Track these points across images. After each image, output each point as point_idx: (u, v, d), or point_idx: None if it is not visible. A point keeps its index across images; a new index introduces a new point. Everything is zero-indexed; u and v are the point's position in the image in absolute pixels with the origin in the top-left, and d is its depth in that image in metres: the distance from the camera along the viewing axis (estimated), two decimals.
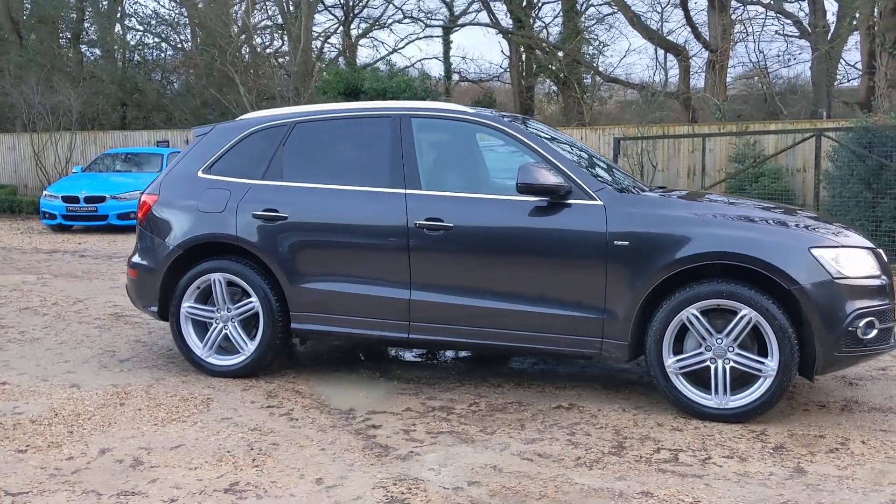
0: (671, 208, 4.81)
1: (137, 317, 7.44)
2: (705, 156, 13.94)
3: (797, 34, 26.93)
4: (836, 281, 4.45)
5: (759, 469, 3.93)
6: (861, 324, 4.46)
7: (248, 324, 5.46)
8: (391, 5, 31.67)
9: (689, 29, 20.53)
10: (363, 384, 5.36)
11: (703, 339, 4.60)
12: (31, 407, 4.85)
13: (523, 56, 33.03)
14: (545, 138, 5.18)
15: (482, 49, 57.29)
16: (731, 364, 4.57)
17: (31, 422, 4.58)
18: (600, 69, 24.70)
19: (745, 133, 14.57)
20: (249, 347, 5.38)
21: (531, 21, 30.86)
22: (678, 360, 4.64)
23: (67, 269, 10.35)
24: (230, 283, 5.42)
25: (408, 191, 5.09)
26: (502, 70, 35.91)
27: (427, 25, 29.60)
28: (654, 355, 4.66)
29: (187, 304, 5.48)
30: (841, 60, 23.33)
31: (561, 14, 28.98)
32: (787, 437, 4.38)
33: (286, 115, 5.59)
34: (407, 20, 46.10)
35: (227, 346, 5.51)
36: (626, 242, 4.67)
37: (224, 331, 5.45)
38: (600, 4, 28.34)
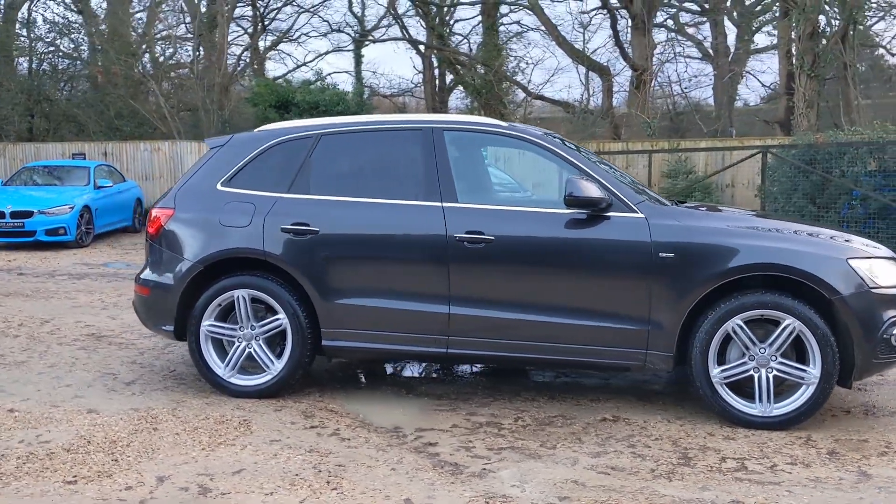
0: (712, 220, 4.92)
1: (119, 337, 7.08)
2: (651, 170, 14.35)
3: (699, 56, 28.20)
4: (871, 290, 4.64)
5: (827, 474, 4.04)
6: (894, 331, 4.66)
7: (272, 342, 5.28)
8: (313, 16, 31.36)
9: (618, 49, 21.14)
10: (394, 401, 5.25)
11: (747, 348, 4.71)
12: (57, 435, 4.54)
13: (436, 71, 33.33)
14: (581, 153, 5.22)
15: (392, 64, 57.33)
16: (774, 373, 4.70)
17: (65, 450, 4.29)
18: (528, 87, 25.08)
19: (692, 150, 15.10)
20: (276, 366, 5.19)
21: (447, 36, 31.10)
22: (723, 371, 4.74)
23: (14, 289, 9.75)
24: (254, 300, 5.22)
25: (445, 204, 5.04)
26: (413, 85, 36.09)
27: (355, 39, 29.34)
28: (699, 366, 4.74)
29: (207, 323, 5.25)
30: (756, 81, 24.46)
31: (481, 33, 29.36)
32: (834, 442, 4.52)
33: (309, 128, 5.45)
34: (315, 34, 45.52)
35: (246, 366, 5.30)
36: (672, 254, 4.74)
37: (247, 349, 5.24)
38: (510, 23, 28.89)
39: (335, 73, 48.95)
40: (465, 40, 32.07)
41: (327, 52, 45.85)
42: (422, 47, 32.46)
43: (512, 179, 8.60)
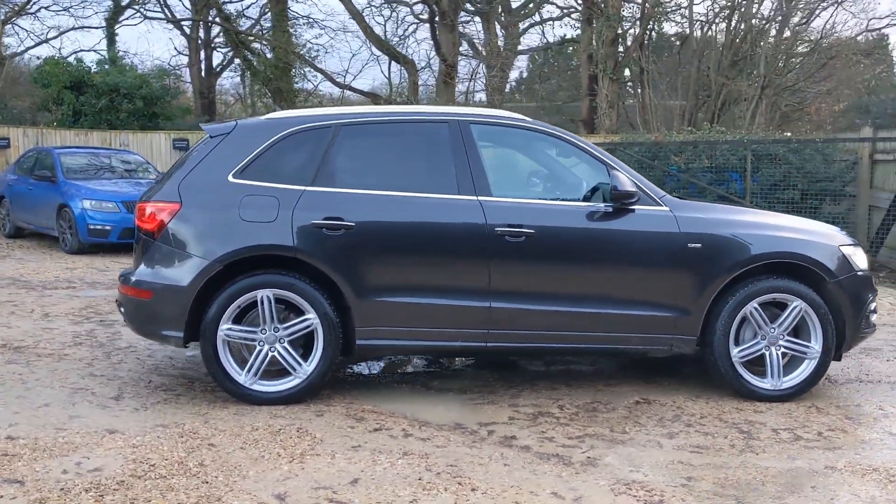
0: (730, 213, 5.32)
1: (38, 348, 6.24)
2: None
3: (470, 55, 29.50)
4: (857, 273, 5.28)
5: (868, 436, 4.58)
6: (872, 308, 5.36)
7: (294, 344, 4.96)
8: None
9: (432, 43, 21.58)
10: (423, 398, 5.15)
11: (760, 328, 5.17)
12: (101, 461, 3.98)
13: (202, 54, 31.99)
14: (601, 149, 5.42)
15: (145, 44, 53.35)
16: (782, 350, 5.20)
17: (135, 477, 3.78)
18: (335, 75, 24.83)
19: None
20: (305, 369, 4.89)
21: (234, 17, 29.91)
22: (740, 351, 5.16)
23: None
24: (277, 300, 4.88)
25: (481, 198, 5.01)
26: (172, 68, 34.12)
27: (154, 14, 27.08)
28: (722, 348, 5.12)
29: (226, 327, 4.82)
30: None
31: (270, 20, 28.59)
32: (837, 409, 5.10)
33: (325, 117, 5.16)
34: (57, 8, 41.67)
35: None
36: (699, 245, 5.08)
37: (270, 353, 4.89)
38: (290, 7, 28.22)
39: (81, 51, 44.94)
40: (252, 22, 30.90)
41: (72, 29, 42.05)
42: (187, 28, 30.95)
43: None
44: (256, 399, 4.87)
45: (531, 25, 31.92)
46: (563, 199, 5.33)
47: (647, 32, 18.64)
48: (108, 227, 12.08)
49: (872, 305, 5.38)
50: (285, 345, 4.90)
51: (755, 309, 5.12)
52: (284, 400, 4.89)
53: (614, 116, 18.88)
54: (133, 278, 4.96)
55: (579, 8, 26.57)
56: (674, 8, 19.52)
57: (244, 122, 5.22)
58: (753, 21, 20.07)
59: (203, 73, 32.07)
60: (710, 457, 4.21)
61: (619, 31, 18.57)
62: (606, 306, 5.06)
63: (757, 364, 5.22)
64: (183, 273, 4.82)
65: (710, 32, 20.21)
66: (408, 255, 4.97)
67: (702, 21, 20.47)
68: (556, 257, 5.04)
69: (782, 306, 5.20)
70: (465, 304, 4.96)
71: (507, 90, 31.58)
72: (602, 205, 5.12)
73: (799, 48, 20.38)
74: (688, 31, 20.24)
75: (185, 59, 32.01)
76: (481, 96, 27.26)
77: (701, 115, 19.45)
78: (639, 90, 19.33)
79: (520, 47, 31.62)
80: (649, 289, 5.10)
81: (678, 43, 21.76)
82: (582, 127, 20.43)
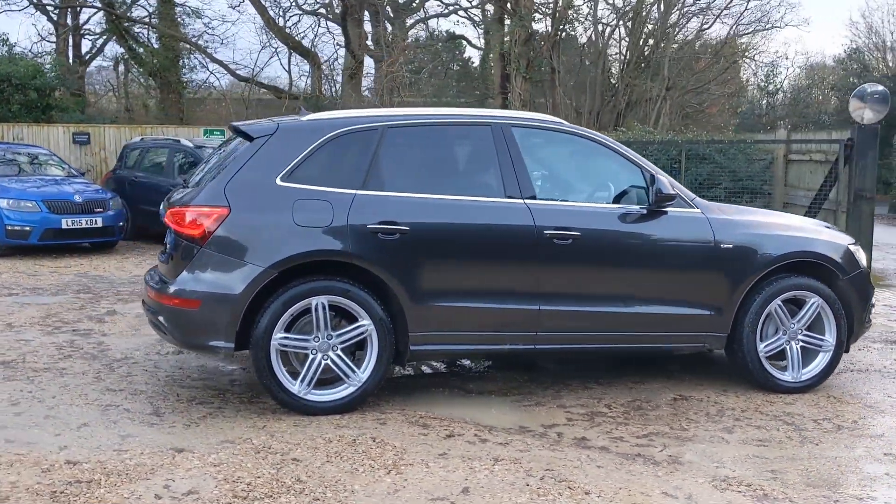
0: (752, 215, 5.57)
1: (30, 363, 5.80)
2: None
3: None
4: (862, 271, 5.65)
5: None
6: (873, 301, 5.75)
7: (346, 351, 4.84)
8: None
9: (344, 38, 21.26)
10: (471, 401, 5.13)
11: (782, 324, 5.44)
12: (189, 483, 3.77)
13: (70, 39, 30.42)
14: (634, 152, 5.54)
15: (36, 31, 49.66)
16: (801, 344, 5.50)
17: (238, 498, 3.61)
18: (234, 68, 24.08)
19: None
20: (360, 377, 4.78)
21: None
22: (766, 346, 5.42)
23: None
24: (331, 307, 4.75)
25: (528, 201, 5.04)
26: (33, 55, 32.22)
27: None
28: (751, 343, 5.36)
29: (280, 335, 4.65)
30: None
31: (155, 6, 27.43)
32: (851, 397, 5.43)
33: (370, 119, 5.04)
34: None
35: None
36: (731, 246, 5.29)
37: (323, 362, 4.75)
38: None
39: None
40: (126, 6, 29.39)
41: None
42: (54, 14, 29.28)
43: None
44: (311, 409, 4.73)
45: (417, 22, 32.06)
46: (598, 202, 5.40)
47: (559, 33, 19.07)
48: (27, 228, 11.32)
49: (873, 300, 5.77)
50: (339, 352, 4.77)
51: (779, 306, 5.39)
52: (340, 409, 4.77)
53: None
54: (173, 287, 4.69)
55: (465, 5, 26.92)
56: (581, 6, 20.06)
57: (286, 123, 5.03)
58: (650, 26, 20.95)
59: (71, 62, 30.40)
60: (778, 450, 4.41)
61: (531, 31, 18.89)
62: (650, 305, 5.20)
63: (774, 358, 5.50)
64: (235, 280, 4.60)
65: (614, 36, 20.92)
66: (461, 259, 4.94)
67: (603, 24, 21.17)
68: (601, 259, 5.14)
69: (798, 303, 5.49)
70: (516, 307, 4.98)
71: (402, 85, 31.71)
72: (636, 207, 5.25)
73: (683, 49, 21.37)
74: (592, 34, 20.89)
75: (49, 47, 30.19)
76: (366, 93, 27.12)
77: (607, 116, 20.13)
78: (550, 89, 19.76)
79: (409, 42, 31.81)
80: (688, 288, 5.27)
81: (584, 44, 22.38)
82: None
